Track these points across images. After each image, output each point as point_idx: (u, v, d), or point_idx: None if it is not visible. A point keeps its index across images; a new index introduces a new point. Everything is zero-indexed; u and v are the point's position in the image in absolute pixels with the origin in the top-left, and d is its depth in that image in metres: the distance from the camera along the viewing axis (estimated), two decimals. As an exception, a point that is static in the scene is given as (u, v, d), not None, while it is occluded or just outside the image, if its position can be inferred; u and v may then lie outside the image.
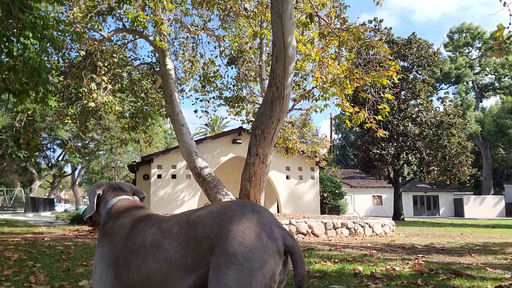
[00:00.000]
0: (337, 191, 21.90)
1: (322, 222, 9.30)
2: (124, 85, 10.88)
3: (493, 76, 42.32)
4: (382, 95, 10.73)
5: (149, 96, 12.28)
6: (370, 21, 22.98)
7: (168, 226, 1.60)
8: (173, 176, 16.35)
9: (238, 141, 16.74)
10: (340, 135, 51.16)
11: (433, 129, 21.76)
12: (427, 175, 22.46)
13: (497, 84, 41.93)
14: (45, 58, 7.39)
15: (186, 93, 14.13)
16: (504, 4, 5.28)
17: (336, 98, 10.52)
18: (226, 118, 38.89)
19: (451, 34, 42.82)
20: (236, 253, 1.39)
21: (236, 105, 13.42)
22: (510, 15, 5.15)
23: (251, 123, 13.07)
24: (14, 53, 5.44)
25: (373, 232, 9.87)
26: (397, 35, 24.79)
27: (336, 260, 5.09)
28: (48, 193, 44.93)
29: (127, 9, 9.17)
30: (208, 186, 9.44)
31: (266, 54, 12.36)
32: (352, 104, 10.55)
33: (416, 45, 22.88)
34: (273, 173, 16.51)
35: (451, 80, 40.97)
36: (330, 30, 9.35)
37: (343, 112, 11.15)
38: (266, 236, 1.44)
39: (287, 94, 6.59)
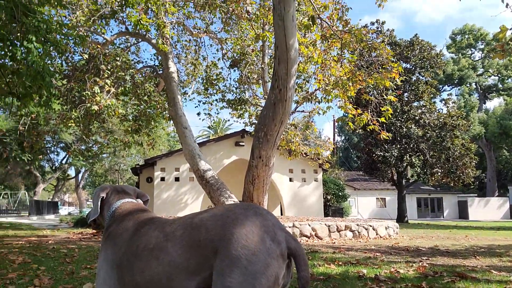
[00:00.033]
0: (340, 194, 21.86)
1: (325, 224, 9.28)
2: (127, 88, 10.89)
3: (496, 78, 42.17)
4: (385, 97, 10.69)
5: (152, 99, 12.29)
6: (373, 23, 22.99)
7: (171, 229, 1.60)
8: (176, 179, 16.36)
9: (241, 143, 16.75)
10: (343, 137, 51.14)
11: (436, 131, 21.70)
12: (430, 177, 22.39)
13: (500, 86, 41.78)
14: (49, 62, 7.43)
15: (189, 95, 14.16)
16: (507, 5, 5.26)
17: (339, 100, 10.51)
18: (229, 120, 38.97)
19: (453, 36, 42.74)
20: (239, 257, 1.39)
21: (239, 107, 13.43)
22: (513, 16, 5.12)
23: (254, 125, 13.07)
24: (18, 57, 5.47)
25: (377, 234, 9.84)
26: (399, 37, 24.80)
27: (340, 263, 5.07)
28: (52, 196, 45.06)
29: (130, 12, 9.20)
30: (211, 188, 9.44)
31: (269, 57, 12.37)
32: (355, 106, 10.53)
33: (418, 47, 22.84)
34: (276, 176, 16.50)
35: (454, 81, 40.86)
36: (332, 32, 9.34)
37: (346, 114, 11.13)
38: (270, 239, 1.44)
39: (289, 96, 6.59)
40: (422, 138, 21.74)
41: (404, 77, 18.28)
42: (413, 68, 23.02)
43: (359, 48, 10.06)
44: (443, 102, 24.95)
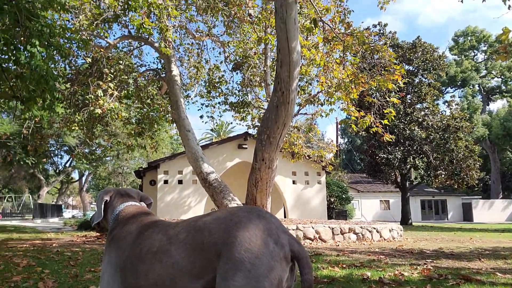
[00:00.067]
0: (344, 196, 21.81)
1: (329, 227, 9.26)
2: (130, 92, 10.94)
3: (500, 79, 42.02)
4: (387, 99, 10.69)
5: (155, 102, 12.33)
6: (375, 26, 22.96)
7: (175, 232, 1.60)
8: (180, 182, 16.37)
9: (244, 146, 16.76)
10: (346, 140, 51.05)
11: (439, 133, 21.64)
12: (434, 179, 22.30)
13: (503, 87, 41.63)
14: (52, 66, 7.45)
15: (191, 98, 14.19)
16: (509, 7, 5.25)
17: (342, 103, 10.50)
18: (231, 123, 38.97)
19: (456, 38, 42.66)
20: (243, 260, 1.39)
21: (242, 110, 13.44)
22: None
23: (256, 128, 13.07)
24: (22, 61, 5.50)
25: (381, 237, 9.80)
26: (401, 39, 24.70)
27: (344, 266, 5.06)
28: (56, 199, 45.19)
29: (132, 16, 9.24)
30: (215, 191, 9.44)
31: (271, 59, 12.39)
32: (358, 109, 10.52)
33: (421, 49, 22.81)
34: (279, 178, 16.48)
35: (457, 83, 40.75)
36: (334, 35, 9.35)
37: (349, 117, 11.13)
38: (273, 242, 1.44)
39: (292, 99, 6.59)
40: (426, 140, 21.68)
41: (406, 79, 18.24)
42: (416, 70, 22.99)
43: (361, 50, 10.07)
44: (446, 104, 24.88)
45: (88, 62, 10.28)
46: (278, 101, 6.61)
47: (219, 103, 13.96)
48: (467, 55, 41.98)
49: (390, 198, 33.84)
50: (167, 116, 12.72)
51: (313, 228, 9.05)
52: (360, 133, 19.84)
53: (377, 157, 22.17)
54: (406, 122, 21.85)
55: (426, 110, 22.35)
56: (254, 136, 15.39)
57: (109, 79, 10.04)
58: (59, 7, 6.57)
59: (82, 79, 10.45)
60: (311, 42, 10.09)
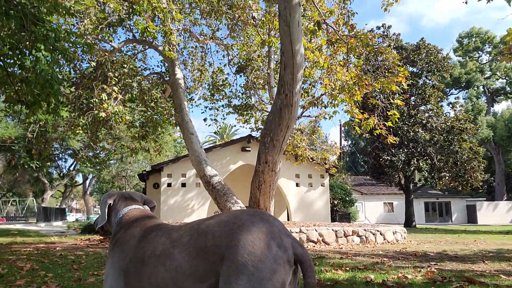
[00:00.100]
0: (347, 198, 21.76)
1: (332, 230, 9.24)
2: (134, 95, 10.97)
3: (504, 80, 41.85)
4: (391, 101, 10.67)
5: (159, 105, 12.36)
6: (378, 28, 22.99)
7: (178, 236, 1.61)
8: (183, 185, 16.40)
9: (247, 149, 16.77)
10: (349, 142, 50.99)
11: (443, 135, 21.57)
12: (438, 181, 22.22)
13: (508, 89, 41.45)
14: (57, 70, 7.51)
15: (195, 101, 14.23)
16: (513, 8, 5.24)
17: (345, 105, 10.49)
18: (235, 126, 39.06)
19: (460, 39, 42.55)
20: (246, 263, 1.39)
21: (245, 113, 13.46)
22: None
23: (260, 130, 13.08)
24: (27, 65, 5.54)
25: (384, 239, 9.77)
26: (405, 41, 24.69)
27: (347, 269, 5.05)
28: (60, 203, 45.35)
29: (137, 20, 9.29)
30: (218, 194, 9.45)
31: (275, 62, 12.41)
32: (362, 111, 10.51)
33: (425, 51, 22.78)
34: (282, 181, 16.48)
35: (462, 85, 40.62)
36: (338, 37, 9.36)
37: (353, 119, 11.11)
38: (276, 246, 1.44)
39: (295, 101, 6.60)
40: (430, 142, 21.61)
41: (410, 81, 18.22)
42: (420, 72, 22.95)
43: (365, 52, 10.06)
44: (450, 105, 24.84)
45: (92, 66, 10.33)
46: (282, 103, 6.62)
47: (222, 106, 13.99)
48: (472, 57, 41.84)
49: (394, 200, 33.73)
50: (170, 119, 12.74)
51: (316, 230, 9.03)
52: (364, 135, 19.83)
53: (381, 159, 22.12)
54: (410, 124, 21.80)
55: (430, 112, 22.30)
56: (257, 139, 15.39)
57: (114, 82, 10.08)
58: (64, 12, 6.61)
59: (86, 83, 10.50)
60: (315, 45, 10.10)
